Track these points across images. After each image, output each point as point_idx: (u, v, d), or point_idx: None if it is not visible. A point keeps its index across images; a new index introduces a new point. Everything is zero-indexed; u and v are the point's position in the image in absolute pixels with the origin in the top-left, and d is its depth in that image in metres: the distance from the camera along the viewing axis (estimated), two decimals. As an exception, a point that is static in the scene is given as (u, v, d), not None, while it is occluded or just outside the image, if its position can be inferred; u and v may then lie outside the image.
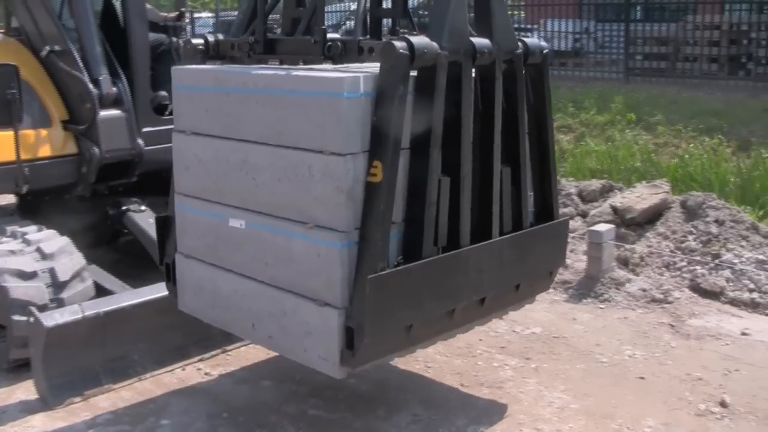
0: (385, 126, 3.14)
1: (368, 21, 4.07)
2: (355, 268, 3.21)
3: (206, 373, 4.81)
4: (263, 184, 3.47)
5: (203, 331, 4.89)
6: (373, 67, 3.31)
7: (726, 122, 11.32)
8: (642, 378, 4.70)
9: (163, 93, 6.35)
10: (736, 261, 6.16)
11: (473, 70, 3.52)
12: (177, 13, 6.85)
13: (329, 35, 3.70)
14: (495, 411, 4.33)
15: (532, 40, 3.86)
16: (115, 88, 5.68)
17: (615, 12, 18.65)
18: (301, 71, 3.50)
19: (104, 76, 5.63)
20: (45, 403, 4.41)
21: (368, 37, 3.92)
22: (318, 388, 4.56)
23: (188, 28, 24.26)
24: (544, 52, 3.89)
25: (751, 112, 12.09)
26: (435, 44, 3.25)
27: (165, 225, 4.17)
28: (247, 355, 5.03)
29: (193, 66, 3.99)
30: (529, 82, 3.92)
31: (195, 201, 3.85)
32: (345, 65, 3.67)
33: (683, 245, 6.55)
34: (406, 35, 3.26)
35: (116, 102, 5.70)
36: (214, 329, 4.81)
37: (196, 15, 28.94)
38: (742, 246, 6.38)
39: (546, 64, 3.94)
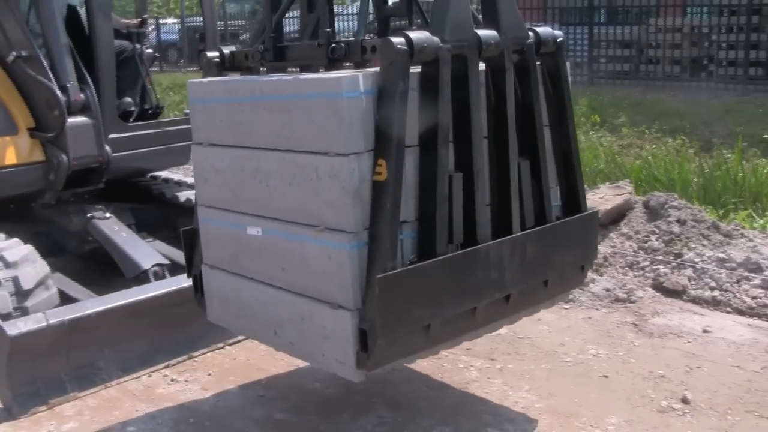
0: (388, 124, 3.10)
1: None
2: (366, 269, 3.17)
3: (172, 380, 4.79)
4: (276, 189, 3.45)
5: (169, 338, 4.90)
6: None
7: (689, 123, 11.51)
8: (605, 377, 4.76)
9: (128, 99, 6.34)
10: (697, 260, 6.25)
11: (481, 62, 3.46)
12: (139, 20, 6.82)
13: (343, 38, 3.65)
14: (461, 412, 4.37)
15: (545, 29, 3.77)
16: (82, 95, 5.64)
17: (579, 15, 18.90)
18: (303, 75, 3.47)
19: (72, 83, 5.58)
20: (9, 412, 4.37)
21: (374, 36, 3.87)
22: (285, 393, 4.58)
23: (152, 34, 24.15)
24: (558, 40, 3.79)
25: (713, 113, 12.30)
26: (436, 38, 3.19)
27: (191, 237, 4.14)
28: (213, 360, 5.03)
29: (205, 79, 3.95)
30: (546, 72, 3.84)
31: (215, 211, 3.83)
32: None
33: (646, 245, 6.64)
34: (406, 31, 3.19)
35: (84, 109, 5.66)
36: (179, 336, 4.86)
37: (161, 21, 28.82)
38: (703, 245, 6.48)
39: (561, 53, 3.84)
